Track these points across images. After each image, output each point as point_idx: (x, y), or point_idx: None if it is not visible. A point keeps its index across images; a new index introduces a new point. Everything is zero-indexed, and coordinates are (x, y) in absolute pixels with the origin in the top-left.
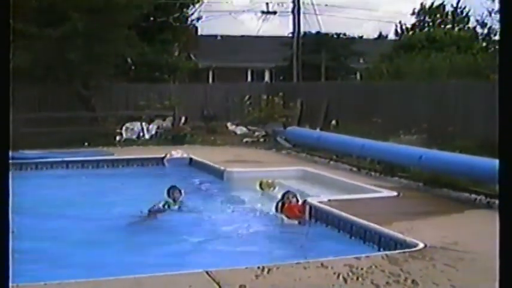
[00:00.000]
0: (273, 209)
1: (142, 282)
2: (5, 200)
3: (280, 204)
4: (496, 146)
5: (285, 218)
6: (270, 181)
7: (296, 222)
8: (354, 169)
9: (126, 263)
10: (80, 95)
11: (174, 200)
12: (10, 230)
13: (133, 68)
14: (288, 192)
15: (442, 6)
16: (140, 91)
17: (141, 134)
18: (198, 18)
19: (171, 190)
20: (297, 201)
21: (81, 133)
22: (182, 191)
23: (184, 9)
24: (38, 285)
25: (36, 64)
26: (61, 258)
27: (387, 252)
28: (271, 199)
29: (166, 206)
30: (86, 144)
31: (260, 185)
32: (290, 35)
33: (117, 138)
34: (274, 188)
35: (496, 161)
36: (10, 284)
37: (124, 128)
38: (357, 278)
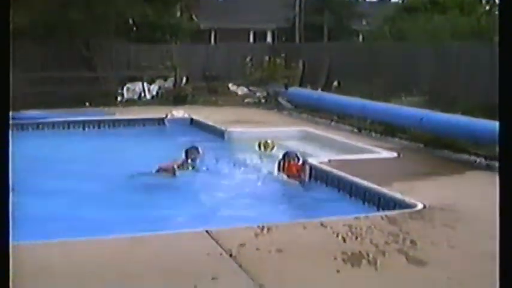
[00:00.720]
0: (275, 168)
1: (143, 241)
2: (5, 159)
3: (281, 163)
4: (496, 108)
5: (286, 178)
6: (268, 141)
7: (296, 182)
8: (355, 130)
9: (125, 219)
10: (81, 55)
11: (193, 160)
12: (10, 188)
13: (134, 28)
14: (288, 152)
15: None
16: (142, 52)
17: (143, 94)
18: None
19: (189, 150)
20: (298, 160)
21: (82, 93)
22: (200, 150)
23: None
24: (38, 243)
25: (37, 24)
26: (64, 215)
27: (386, 213)
28: (271, 159)
29: (177, 166)
30: (87, 104)
31: (259, 145)
32: None
33: (119, 98)
34: (273, 148)
35: (496, 123)
36: (11, 243)
37: (125, 88)
38: (356, 238)
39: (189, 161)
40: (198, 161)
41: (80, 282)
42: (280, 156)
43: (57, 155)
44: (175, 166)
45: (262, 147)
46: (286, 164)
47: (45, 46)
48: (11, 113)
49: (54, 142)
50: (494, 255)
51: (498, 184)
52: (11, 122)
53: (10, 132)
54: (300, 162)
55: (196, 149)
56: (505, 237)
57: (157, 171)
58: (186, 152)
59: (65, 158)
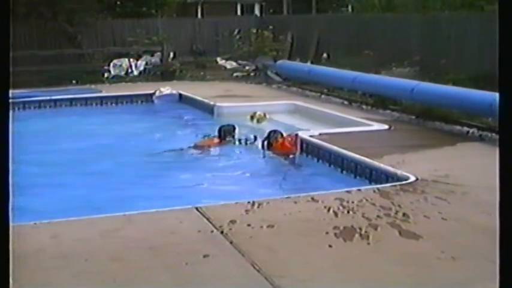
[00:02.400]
0: (260, 147)
1: (133, 219)
2: (5, 139)
3: (266, 142)
4: (488, 78)
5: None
6: (261, 113)
7: (287, 157)
8: (345, 102)
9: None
10: (65, 32)
11: (231, 138)
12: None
13: (118, 3)
14: (273, 131)
15: None
16: (127, 27)
17: (130, 70)
18: None
19: (224, 128)
20: (281, 136)
21: (68, 71)
22: (236, 127)
23: None
24: (26, 225)
25: (18, 1)
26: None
27: (378, 186)
28: (262, 133)
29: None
30: (74, 82)
31: (251, 117)
32: None
33: (105, 75)
34: (265, 119)
35: (489, 94)
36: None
37: (112, 64)
38: (348, 212)
39: (227, 139)
40: (236, 137)
41: (68, 263)
42: (266, 135)
43: (43, 134)
44: (212, 144)
45: (255, 120)
46: (272, 143)
47: (28, 24)
48: None
49: (41, 121)
50: (487, 228)
51: (498, 156)
52: None
53: None
54: (289, 137)
55: (232, 126)
56: (505, 214)
57: (193, 148)
58: (220, 130)
59: (50, 138)
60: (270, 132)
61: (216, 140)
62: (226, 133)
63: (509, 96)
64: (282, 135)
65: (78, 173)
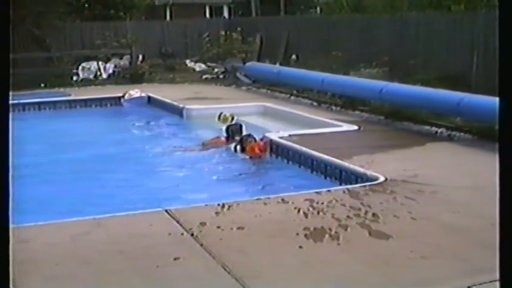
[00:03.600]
0: (233, 150)
1: (102, 223)
2: (5, 143)
3: (239, 146)
4: (456, 78)
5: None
6: (228, 114)
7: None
8: (315, 104)
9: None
10: (33, 35)
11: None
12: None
13: (86, 5)
14: (247, 135)
15: None
16: (96, 29)
17: (98, 73)
18: None
19: (231, 128)
20: (255, 140)
21: (36, 74)
22: (243, 126)
23: None
24: None
25: None
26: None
27: (348, 186)
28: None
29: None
30: (42, 85)
31: (219, 117)
32: None
33: (74, 78)
34: (232, 119)
35: (456, 93)
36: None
37: (80, 67)
38: (318, 213)
39: (235, 137)
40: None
41: (38, 268)
42: (237, 139)
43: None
44: (219, 142)
45: (222, 120)
46: (245, 146)
47: None
48: None
49: (12, 125)
50: (456, 227)
51: (498, 162)
52: None
53: None
54: (263, 140)
55: (240, 125)
56: (506, 222)
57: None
58: (228, 129)
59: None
60: (242, 136)
61: (223, 139)
62: (234, 132)
63: (509, 101)
64: (255, 139)
65: (45, 179)
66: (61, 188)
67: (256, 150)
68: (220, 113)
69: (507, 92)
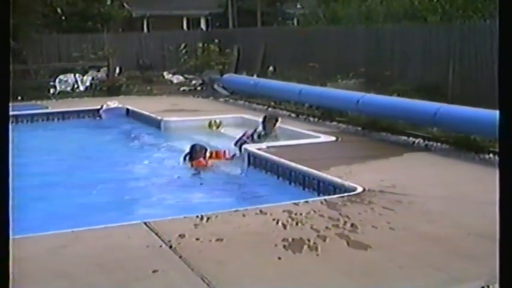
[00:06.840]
0: (181, 160)
1: (80, 236)
2: (5, 154)
3: (188, 156)
4: (432, 89)
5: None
6: (217, 121)
7: (229, 169)
8: (292, 115)
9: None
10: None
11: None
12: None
13: (63, 17)
14: (198, 145)
15: None
16: (73, 42)
17: (76, 85)
18: None
19: (267, 119)
20: (205, 153)
21: (13, 87)
22: (279, 119)
23: None
24: None
25: None
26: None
27: (326, 197)
28: (224, 139)
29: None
30: (19, 98)
31: (209, 124)
32: None
33: (51, 91)
34: (221, 126)
35: (433, 104)
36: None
37: (57, 80)
38: (296, 224)
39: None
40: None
41: (12, 283)
42: (187, 149)
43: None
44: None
45: (213, 126)
46: (194, 158)
47: None
48: None
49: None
50: (434, 236)
51: (498, 176)
52: None
53: None
54: (214, 152)
55: (274, 117)
56: (505, 233)
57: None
58: (264, 120)
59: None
60: (193, 146)
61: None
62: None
63: (509, 113)
64: (206, 149)
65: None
66: (32, 202)
67: (203, 162)
68: (210, 121)
69: (507, 106)
